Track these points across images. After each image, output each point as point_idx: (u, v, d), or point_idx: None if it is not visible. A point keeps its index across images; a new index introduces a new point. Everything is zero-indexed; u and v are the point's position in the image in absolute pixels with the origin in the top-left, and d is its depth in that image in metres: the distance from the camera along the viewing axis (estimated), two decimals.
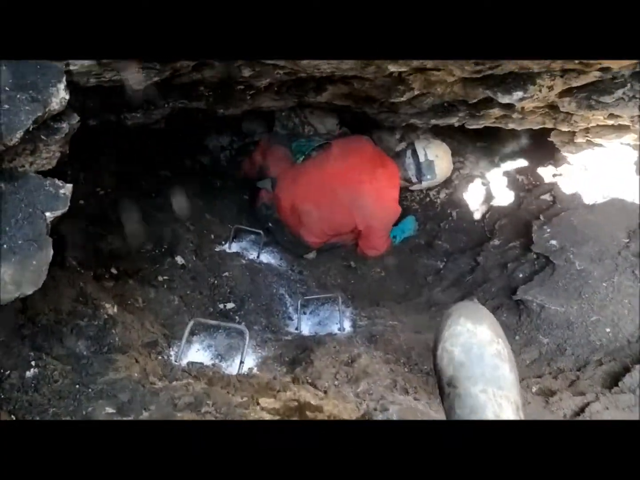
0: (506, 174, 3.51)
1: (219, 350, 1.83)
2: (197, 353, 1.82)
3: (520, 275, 2.20)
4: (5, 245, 0.99)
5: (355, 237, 3.08)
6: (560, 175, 3.11)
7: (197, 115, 2.87)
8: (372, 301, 2.63)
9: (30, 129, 1.03)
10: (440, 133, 3.60)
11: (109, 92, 2.20)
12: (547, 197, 2.74)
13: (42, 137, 1.15)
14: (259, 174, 3.36)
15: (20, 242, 1.00)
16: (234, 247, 2.83)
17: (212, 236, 2.88)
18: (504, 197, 3.23)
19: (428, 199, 3.60)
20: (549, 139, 3.31)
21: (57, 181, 1.07)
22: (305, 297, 2.38)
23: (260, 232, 2.87)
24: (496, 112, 2.80)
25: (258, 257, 2.83)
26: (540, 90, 2.19)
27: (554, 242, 2.12)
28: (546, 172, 3.28)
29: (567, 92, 2.31)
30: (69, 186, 1.07)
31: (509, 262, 2.36)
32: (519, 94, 2.16)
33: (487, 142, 3.93)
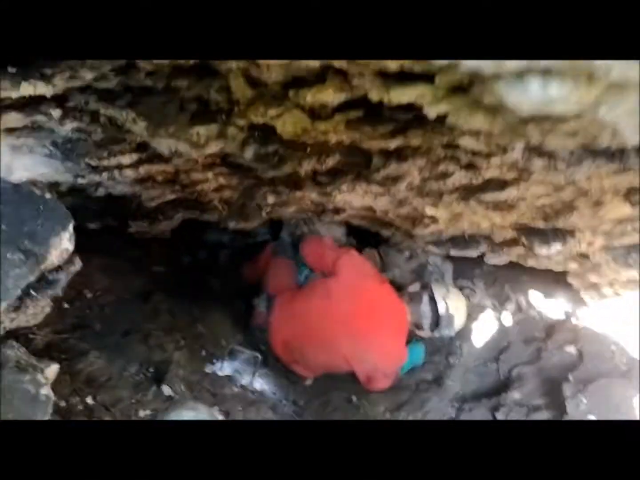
0: (519, 308, 3.32)
1: None
2: None
3: None
4: None
5: None
6: (579, 320, 2.93)
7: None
8: None
9: (19, 296, 0.81)
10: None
11: (117, 199, 2.03)
12: (571, 349, 2.53)
13: (32, 292, 0.93)
14: (258, 283, 3.15)
15: None
16: (226, 368, 2.56)
17: (204, 353, 2.61)
18: (519, 337, 3.02)
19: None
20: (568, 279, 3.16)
21: (39, 376, 0.81)
22: None
23: (257, 355, 2.61)
24: (520, 251, 2.67)
25: (251, 383, 2.55)
26: (579, 245, 2.05)
27: (592, 417, 1.88)
28: (561, 313, 3.10)
29: (604, 248, 2.18)
30: (50, 378, 0.82)
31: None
32: (556, 246, 2.01)
33: (494, 267, 3.77)
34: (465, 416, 2.45)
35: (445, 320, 2.81)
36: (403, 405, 2.69)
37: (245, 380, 2.55)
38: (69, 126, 1.41)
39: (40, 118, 1.38)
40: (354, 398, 2.72)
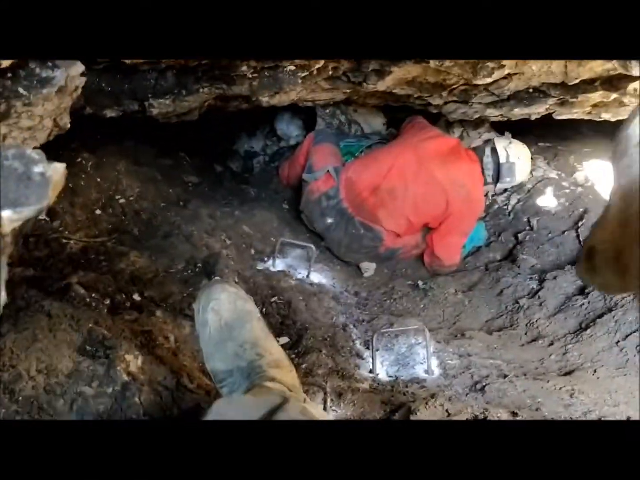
0: (588, 176, 3.01)
1: None
2: None
3: None
4: None
5: (423, 243, 2.67)
6: None
7: (233, 107, 2.41)
8: (453, 330, 2.12)
9: None
10: (499, 130, 3.14)
11: (130, 71, 1.75)
12: None
13: (20, 90, 0.68)
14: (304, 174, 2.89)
15: None
16: (279, 265, 2.35)
17: (253, 251, 2.40)
18: (596, 202, 2.71)
19: (496, 206, 3.08)
20: None
21: (29, 151, 0.55)
22: (381, 330, 1.87)
23: (312, 246, 2.38)
24: (596, 96, 2.30)
25: (308, 275, 2.34)
26: None
27: None
28: None
29: None
30: (58, 166, 0.57)
31: None
32: None
33: (550, 143, 3.45)
34: (549, 285, 2.20)
35: (505, 168, 2.78)
36: (475, 285, 2.45)
37: (301, 274, 2.35)
38: None
39: None
40: (420, 283, 2.49)
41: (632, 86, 2.09)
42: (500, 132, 3.07)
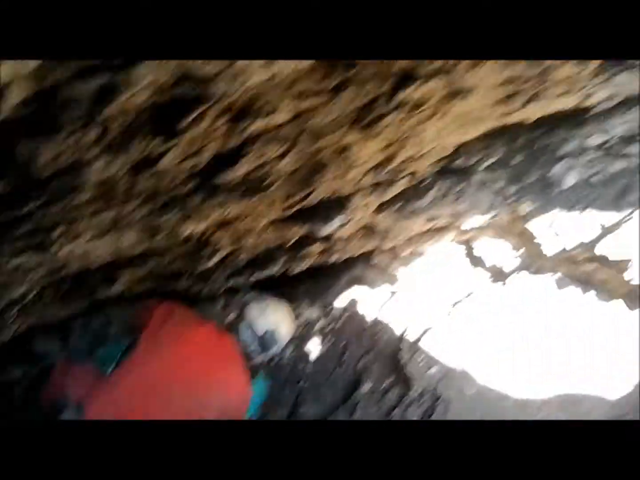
0: (345, 310, 3.31)
1: None
2: None
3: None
4: None
5: None
6: (395, 292, 2.98)
7: None
8: None
9: None
10: (263, 287, 3.31)
11: None
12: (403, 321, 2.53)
13: None
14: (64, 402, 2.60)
15: None
16: None
17: None
18: (353, 334, 2.96)
19: (272, 361, 3.15)
20: (371, 263, 3.23)
21: None
22: None
23: None
24: (316, 248, 2.60)
25: None
26: (356, 211, 2.01)
27: (433, 370, 1.80)
28: (382, 295, 3.15)
29: (380, 209, 2.18)
30: None
31: (394, 409, 1.98)
32: (336, 221, 1.94)
33: (308, 284, 3.75)
34: None
35: (268, 340, 2.54)
36: None
37: None
38: None
39: None
40: None
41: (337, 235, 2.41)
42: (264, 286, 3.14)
